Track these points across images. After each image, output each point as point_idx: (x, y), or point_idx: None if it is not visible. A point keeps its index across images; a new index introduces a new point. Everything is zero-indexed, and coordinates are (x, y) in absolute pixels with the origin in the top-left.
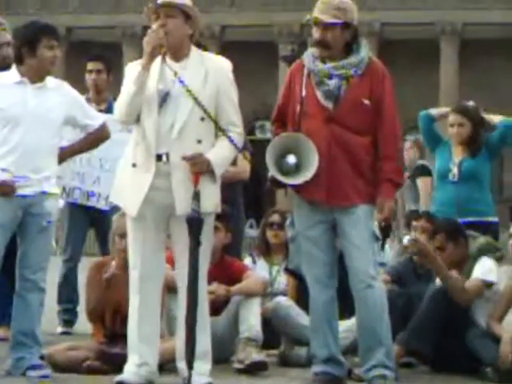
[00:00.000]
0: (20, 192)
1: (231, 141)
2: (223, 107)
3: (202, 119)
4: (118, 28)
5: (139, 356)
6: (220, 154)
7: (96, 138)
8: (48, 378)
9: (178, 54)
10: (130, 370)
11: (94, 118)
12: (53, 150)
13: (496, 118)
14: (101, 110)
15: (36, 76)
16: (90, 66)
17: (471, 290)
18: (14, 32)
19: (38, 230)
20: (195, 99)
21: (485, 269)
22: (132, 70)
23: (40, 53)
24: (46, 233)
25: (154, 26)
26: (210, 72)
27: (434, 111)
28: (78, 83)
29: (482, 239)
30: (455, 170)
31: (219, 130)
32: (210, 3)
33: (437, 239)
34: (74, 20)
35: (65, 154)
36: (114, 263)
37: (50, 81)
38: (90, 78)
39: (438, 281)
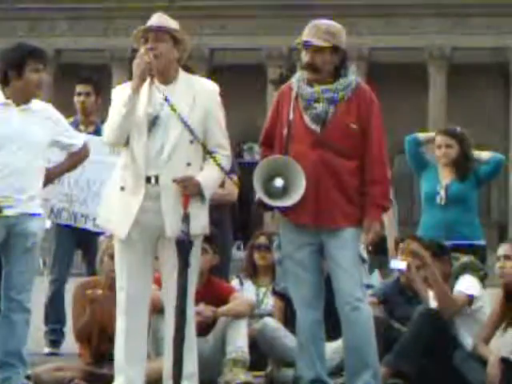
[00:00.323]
0: (4, 213)
1: (218, 164)
2: (211, 130)
3: (191, 142)
4: (107, 51)
5: (126, 377)
6: (209, 176)
7: (80, 158)
8: None
9: (167, 78)
10: None
11: (77, 137)
12: (37, 172)
13: (484, 154)
14: (89, 133)
15: (21, 98)
16: (79, 88)
17: (457, 301)
18: (0, 54)
19: (23, 251)
20: (184, 123)
21: (466, 284)
22: (119, 93)
23: (26, 76)
24: (31, 253)
25: (143, 49)
26: (199, 95)
27: (421, 135)
28: (67, 105)
29: (465, 258)
30: (442, 194)
31: (207, 153)
32: (200, 26)
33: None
34: (63, 42)
35: (51, 175)
36: (99, 287)
37: (35, 103)
38: (78, 101)
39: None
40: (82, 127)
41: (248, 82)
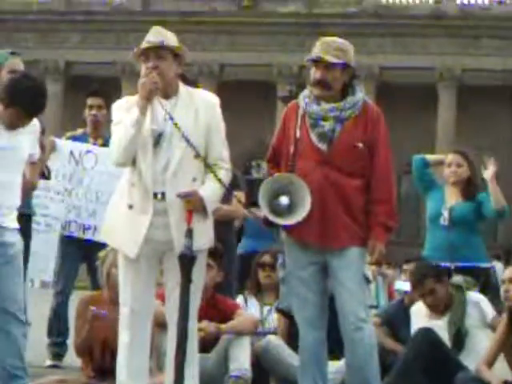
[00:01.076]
0: None
1: (221, 182)
2: (213, 143)
3: (196, 157)
4: (117, 64)
5: None
6: (211, 190)
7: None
8: None
9: (168, 92)
10: None
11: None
12: (17, 187)
13: (488, 173)
14: (100, 145)
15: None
16: (91, 101)
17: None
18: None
19: (5, 262)
20: (187, 140)
21: (488, 307)
22: (120, 109)
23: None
24: (14, 263)
25: (145, 68)
26: (200, 109)
27: (429, 156)
28: (76, 117)
29: (456, 278)
30: (446, 215)
31: (208, 168)
32: (211, 42)
33: (426, 284)
34: (74, 55)
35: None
36: (102, 302)
37: None
38: (90, 114)
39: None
40: (91, 140)
41: (257, 99)
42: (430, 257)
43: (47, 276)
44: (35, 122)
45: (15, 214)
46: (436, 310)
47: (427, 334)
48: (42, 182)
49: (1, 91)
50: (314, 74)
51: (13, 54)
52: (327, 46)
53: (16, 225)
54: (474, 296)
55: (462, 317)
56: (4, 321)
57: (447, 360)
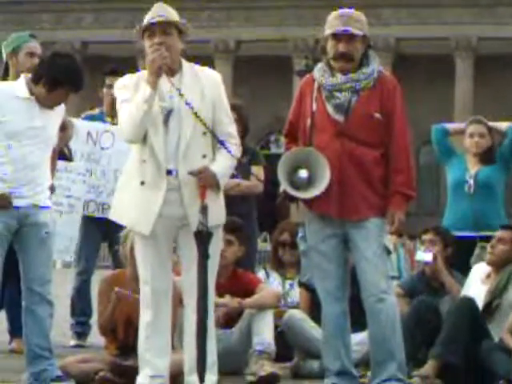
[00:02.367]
0: (14, 204)
1: (229, 152)
2: (220, 120)
3: (204, 133)
4: (133, 43)
5: (151, 369)
6: (222, 165)
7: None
8: None
9: (173, 69)
10: (143, 382)
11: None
12: (48, 166)
13: (503, 125)
14: (116, 124)
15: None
16: (109, 80)
17: None
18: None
19: (39, 242)
20: (196, 115)
21: None
22: (126, 87)
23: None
24: (46, 244)
25: (150, 44)
26: (206, 87)
27: (449, 125)
28: (92, 97)
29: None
30: (471, 182)
31: (218, 143)
32: (226, 18)
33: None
34: (90, 35)
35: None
36: (125, 281)
37: None
38: (108, 93)
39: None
40: (108, 119)
41: (274, 74)
42: (451, 226)
43: (68, 256)
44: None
45: (48, 192)
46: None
47: (467, 302)
48: (63, 164)
49: (40, 75)
50: (336, 47)
51: (31, 36)
52: (348, 19)
53: (49, 203)
54: None
55: (502, 290)
56: (31, 301)
57: (479, 329)
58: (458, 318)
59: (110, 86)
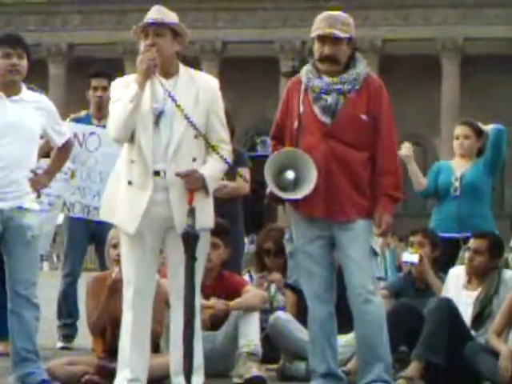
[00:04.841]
0: None
1: (224, 159)
2: (213, 125)
3: (196, 137)
4: (119, 44)
5: (131, 371)
6: (212, 169)
7: (67, 153)
8: None
9: (168, 71)
10: None
11: (65, 133)
12: (31, 165)
13: (486, 127)
14: (103, 126)
15: (7, 89)
16: (95, 82)
17: None
18: None
19: (24, 244)
20: (188, 119)
21: None
22: (119, 87)
23: None
24: (32, 246)
25: (143, 45)
26: (201, 92)
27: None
28: (79, 99)
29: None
30: (457, 184)
31: (211, 148)
32: (213, 19)
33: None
34: (76, 36)
35: (47, 176)
36: (116, 269)
37: (27, 94)
38: (95, 95)
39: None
40: (94, 121)
41: (260, 75)
42: (437, 227)
43: (42, 250)
44: (42, 98)
45: (33, 195)
46: (474, 276)
47: (447, 303)
48: (44, 162)
49: None
50: (322, 49)
51: None
52: (334, 21)
53: (35, 206)
54: (508, 274)
55: (491, 297)
56: (16, 304)
57: (461, 330)
58: (437, 317)
59: (96, 89)
